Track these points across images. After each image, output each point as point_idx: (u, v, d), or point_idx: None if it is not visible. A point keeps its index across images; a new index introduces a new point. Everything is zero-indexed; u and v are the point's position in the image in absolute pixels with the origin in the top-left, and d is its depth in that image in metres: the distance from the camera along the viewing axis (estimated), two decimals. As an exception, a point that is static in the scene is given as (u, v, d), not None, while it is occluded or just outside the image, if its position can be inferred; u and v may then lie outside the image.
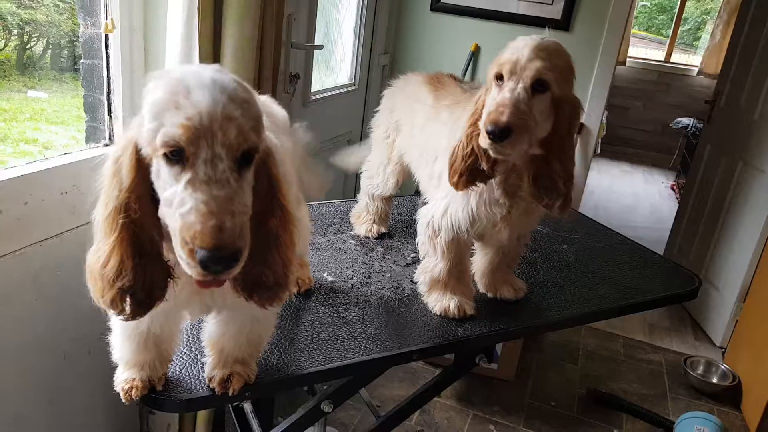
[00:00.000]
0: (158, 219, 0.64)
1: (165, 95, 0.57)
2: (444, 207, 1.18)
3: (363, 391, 1.64)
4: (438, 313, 1.19)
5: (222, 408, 1.77)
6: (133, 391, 0.86)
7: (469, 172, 1.08)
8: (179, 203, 0.57)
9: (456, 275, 1.22)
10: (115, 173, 0.62)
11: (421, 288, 1.24)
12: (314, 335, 1.08)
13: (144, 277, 0.65)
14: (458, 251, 1.21)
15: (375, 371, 1.25)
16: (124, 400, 0.87)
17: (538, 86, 0.99)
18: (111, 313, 0.70)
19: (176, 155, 0.57)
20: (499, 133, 0.95)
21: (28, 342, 1.42)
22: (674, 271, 1.49)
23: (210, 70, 0.60)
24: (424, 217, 1.23)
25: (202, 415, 1.76)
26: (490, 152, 1.01)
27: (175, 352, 0.93)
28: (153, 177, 0.62)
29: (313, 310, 1.16)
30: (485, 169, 1.06)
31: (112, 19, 1.52)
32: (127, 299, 0.66)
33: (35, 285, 1.41)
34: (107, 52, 1.57)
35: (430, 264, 1.23)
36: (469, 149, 1.07)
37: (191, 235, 0.55)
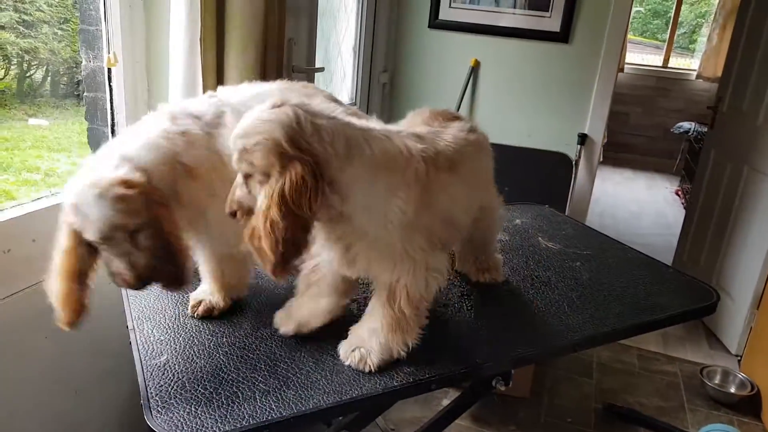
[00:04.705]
0: None
1: None
2: None
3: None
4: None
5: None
6: None
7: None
8: None
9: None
10: None
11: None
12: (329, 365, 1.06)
13: None
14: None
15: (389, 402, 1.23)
16: None
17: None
18: None
19: None
20: None
21: (39, 378, 1.41)
22: (690, 286, 1.47)
23: None
24: None
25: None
26: None
27: None
28: None
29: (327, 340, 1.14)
30: None
31: (114, 53, 1.52)
32: None
33: (44, 321, 1.40)
34: (110, 85, 1.57)
35: None
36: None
37: None
